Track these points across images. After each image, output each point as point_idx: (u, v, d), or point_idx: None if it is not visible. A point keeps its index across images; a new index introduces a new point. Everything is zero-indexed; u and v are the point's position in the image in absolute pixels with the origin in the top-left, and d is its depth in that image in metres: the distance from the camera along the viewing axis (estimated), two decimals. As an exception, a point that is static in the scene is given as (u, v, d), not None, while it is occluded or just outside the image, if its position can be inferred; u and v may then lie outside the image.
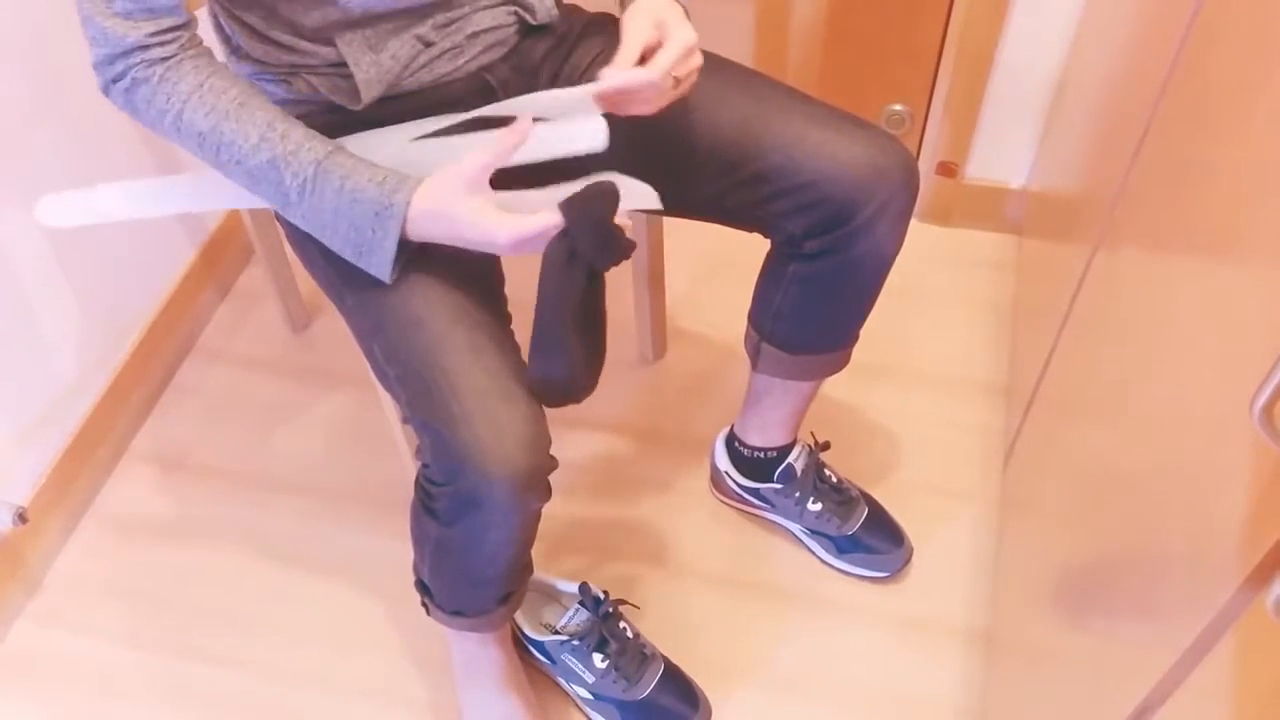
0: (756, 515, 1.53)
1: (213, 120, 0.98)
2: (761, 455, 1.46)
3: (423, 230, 0.98)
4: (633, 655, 1.34)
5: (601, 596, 1.34)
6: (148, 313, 1.70)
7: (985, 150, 1.77)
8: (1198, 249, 0.80)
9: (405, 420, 1.09)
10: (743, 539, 1.52)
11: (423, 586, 1.26)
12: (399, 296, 1.04)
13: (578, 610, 1.34)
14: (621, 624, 1.36)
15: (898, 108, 1.79)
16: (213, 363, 1.77)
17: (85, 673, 1.44)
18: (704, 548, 1.51)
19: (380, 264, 1.00)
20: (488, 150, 0.96)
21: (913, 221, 1.88)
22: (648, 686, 1.33)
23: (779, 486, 1.46)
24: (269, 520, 1.57)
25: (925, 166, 1.81)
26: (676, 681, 1.35)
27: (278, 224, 1.21)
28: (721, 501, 1.55)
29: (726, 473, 1.51)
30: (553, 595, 1.40)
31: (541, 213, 0.94)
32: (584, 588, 1.34)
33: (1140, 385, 0.88)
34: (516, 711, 1.32)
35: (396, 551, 1.52)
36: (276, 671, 1.43)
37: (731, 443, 1.50)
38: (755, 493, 1.49)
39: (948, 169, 1.80)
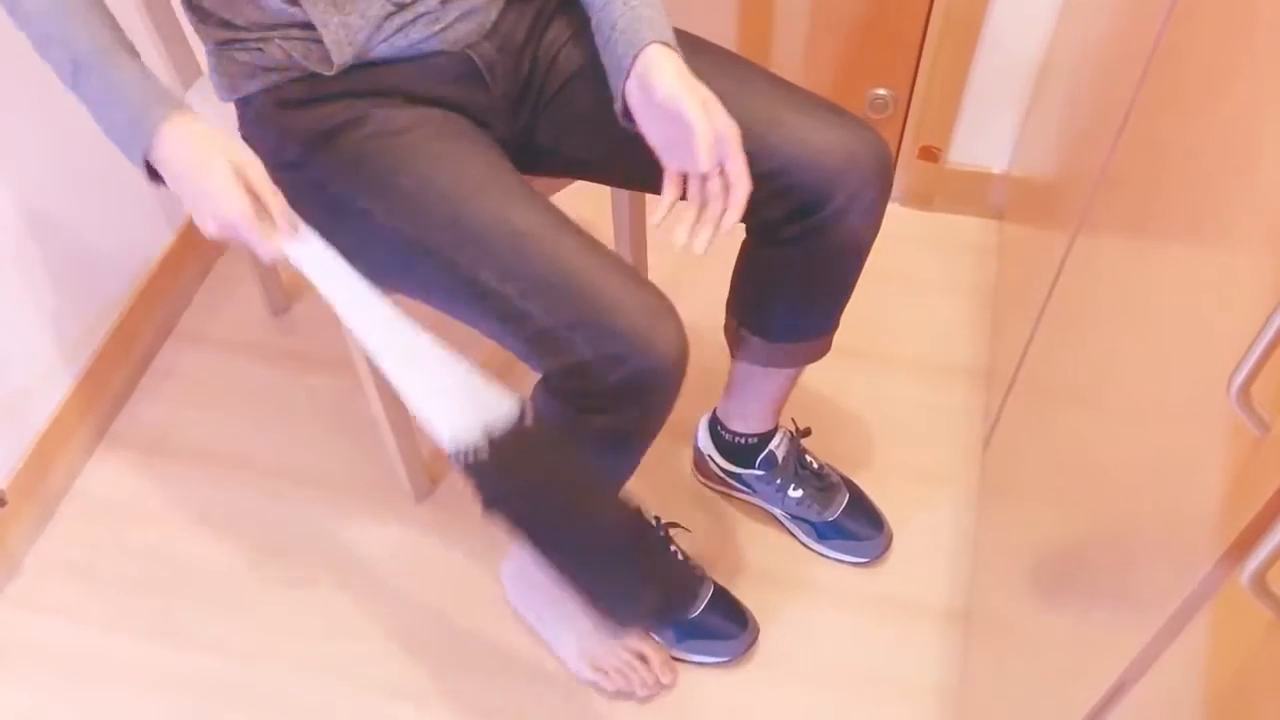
0: (739, 499, 1.53)
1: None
2: (743, 441, 1.46)
3: (174, 142, 0.95)
4: None
5: (654, 521, 1.37)
6: (127, 295, 1.69)
7: (968, 135, 1.77)
8: (1177, 233, 0.80)
9: (529, 338, 1.02)
10: (725, 522, 1.52)
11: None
12: (492, 217, 1.02)
13: None
14: (672, 547, 1.39)
15: (881, 92, 1.79)
16: (192, 346, 1.76)
17: (64, 657, 1.43)
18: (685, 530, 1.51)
19: (125, 139, 0.97)
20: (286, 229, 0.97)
21: (895, 206, 1.89)
22: (699, 606, 1.37)
23: (760, 473, 1.46)
24: (249, 504, 1.57)
25: (908, 151, 1.82)
26: (725, 602, 1.40)
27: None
28: (704, 484, 1.55)
29: (709, 456, 1.51)
30: None
31: (279, 242, 0.96)
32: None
33: (1119, 369, 0.89)
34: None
35: (376, 534, 1.52)
36: (257, 656, 1.42)
37: (714, 426, 1.50)
38: (738, 477, 1.49)
39: (930, 153, 1.80)
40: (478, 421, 0.96)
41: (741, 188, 1.01)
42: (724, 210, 1.02)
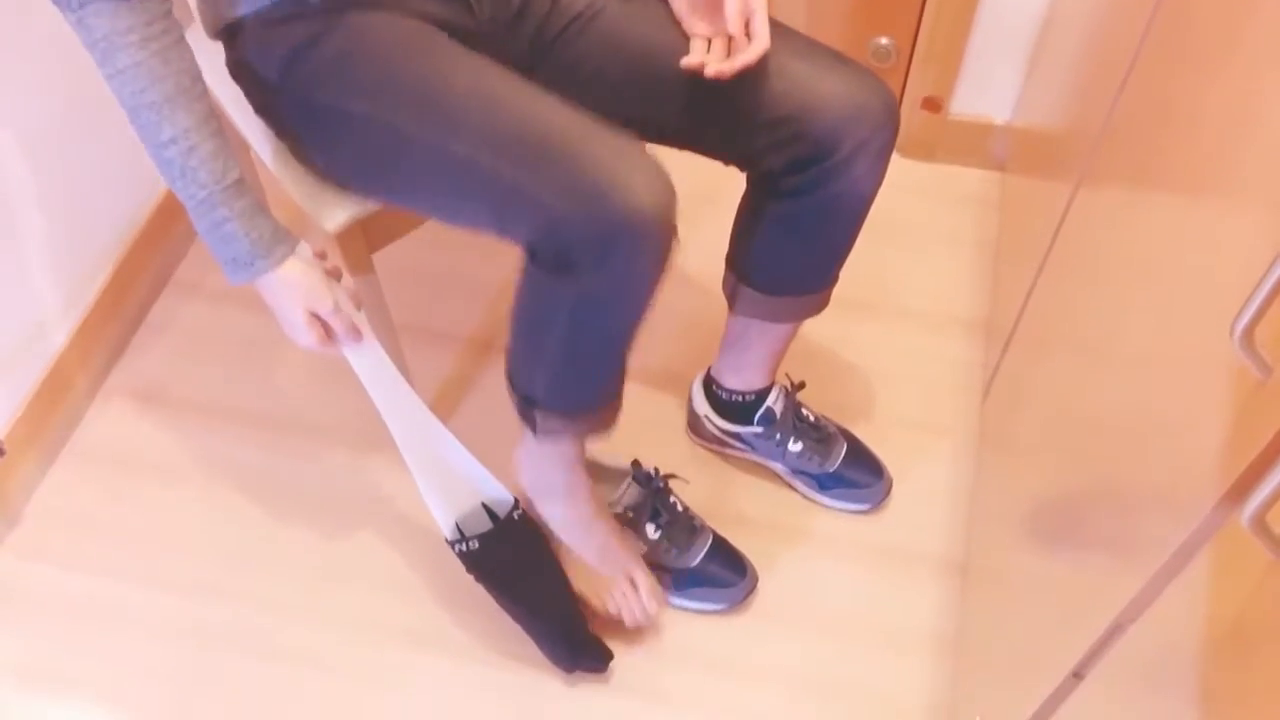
0: (737, 457, 1.53)
1: (134, 101, 1.00)
2: (740, 399, 1.46)
3: (266, 283, 1.10)
4: (683, 526, 1.39)
5: (653, 472, 1.39)
6: (121, 246, 1.68)
7: (971, 85, 1.76)
8: (1180, 182, 0.80)
9: (500, 200, 1.02)
10: (723, 472, 1.53)
11: (528, 402, 1.19)
12: (464, 89, 1.03)
13: (630, 485, 1.38)
14: (671, 498, 1.40)
15: (884, 41, 1.78)
16: (188, 297, 1.76)
17: (65, 605, 1.44)
18: (684, 481, 1.52)
19: (230, 271, 1.10)
20: (346, 318, 1.15)
21: (897, 157, 1.87)
22: (698, 555, 1.39)
23: (759, 430, 1.46)
24: (246, 454, 1.57)
25: (910, 101, 1.80)
26: (724, 551, 1.41)
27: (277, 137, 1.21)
28: (699, 445, 1.55)
29: (705, 416, 1.50)
30: (603, 475, 1.41)
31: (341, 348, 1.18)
32: (635, 463, 1.39)
33: (1120, 318, 0.89)
34: (612, 533, 1.32)
35: (375, 484, 1.53)
36: (258, 603, 1.43)
37: (709, 386, 1.50)
38: (736, 436, 1.49)
39: (933, 104, 1.79)
40: (472, 520, 1.25)
41: (761, 42, 1.06)
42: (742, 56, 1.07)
